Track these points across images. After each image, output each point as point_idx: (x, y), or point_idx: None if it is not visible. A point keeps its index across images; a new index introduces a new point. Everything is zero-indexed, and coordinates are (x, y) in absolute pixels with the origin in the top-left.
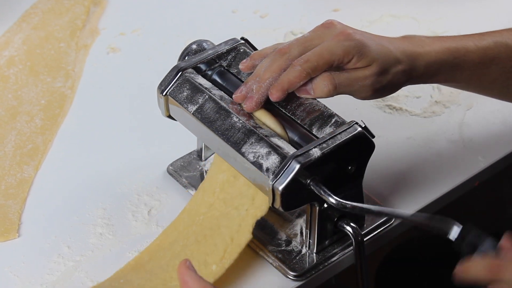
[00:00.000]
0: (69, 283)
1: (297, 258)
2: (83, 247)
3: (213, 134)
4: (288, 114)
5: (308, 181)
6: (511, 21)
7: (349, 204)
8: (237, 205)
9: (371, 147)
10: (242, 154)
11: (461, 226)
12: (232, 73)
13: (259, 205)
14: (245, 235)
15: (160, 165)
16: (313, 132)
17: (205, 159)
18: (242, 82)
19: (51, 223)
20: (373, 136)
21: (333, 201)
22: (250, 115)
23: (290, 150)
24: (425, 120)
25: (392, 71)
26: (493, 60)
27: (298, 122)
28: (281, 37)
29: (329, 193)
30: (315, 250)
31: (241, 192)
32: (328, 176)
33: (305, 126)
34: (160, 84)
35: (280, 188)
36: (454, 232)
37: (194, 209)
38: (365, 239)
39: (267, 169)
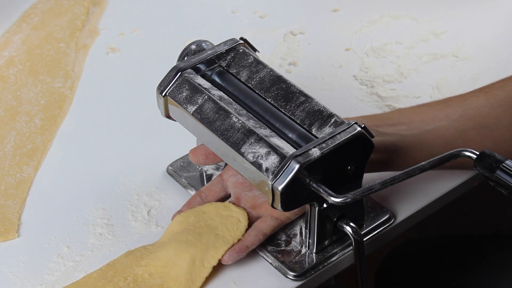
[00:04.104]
0: (68, 283)
1: (297, 258)
2: (83, 247)
3: (212, 135)
4: (288, 114)
5: (308, 181)
6: (510, 21)
7: (350, 196)
8: None
9: (370, 147)
10: (242, 154)
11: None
12: (231, 74)
13: None
14: None
15: (160, 165)
16: (313, 132)
17: None
18: (242, 82)
19: (50, 223)
20: (373, 136)
21: (334, 199)
22: (250, 115)
23: (289, 150)
24: None
25: None
26: None
27: (298, 122)
28: (281, 37)
29: (329, 191)
30: (314, 250)
31: None
32: (327, 176)
33: (304, 126)
34: (160, 84)
35: (280, 188)
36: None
37: (100, 282)
38: (364, 239)
39: (267, 169)
